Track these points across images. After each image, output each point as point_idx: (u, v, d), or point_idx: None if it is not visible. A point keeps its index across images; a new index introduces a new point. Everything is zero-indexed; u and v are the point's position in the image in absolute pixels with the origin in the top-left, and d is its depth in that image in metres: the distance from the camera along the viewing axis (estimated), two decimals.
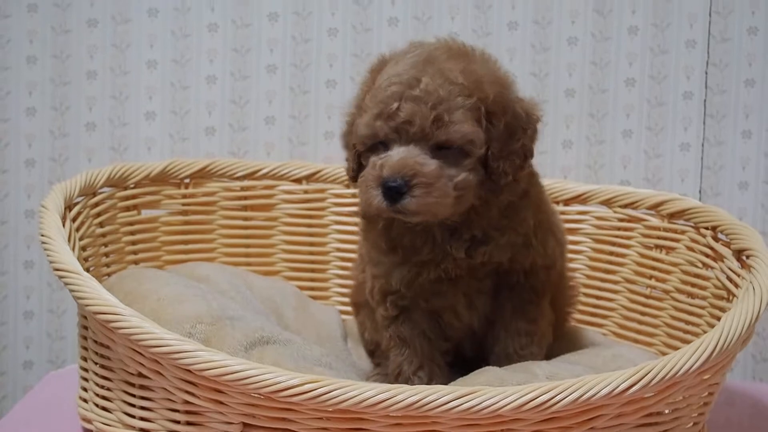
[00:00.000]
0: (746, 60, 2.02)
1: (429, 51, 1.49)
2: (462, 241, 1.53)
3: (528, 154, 1.50)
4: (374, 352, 1.75)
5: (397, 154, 1.44)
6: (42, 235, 1.51)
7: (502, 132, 1.47)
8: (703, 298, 1.67)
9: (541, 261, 1.59)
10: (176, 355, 1.32)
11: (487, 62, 1.52)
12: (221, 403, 1.35)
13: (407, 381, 1.57)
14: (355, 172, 1.52)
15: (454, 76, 1.45)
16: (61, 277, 1.43)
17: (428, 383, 1.52)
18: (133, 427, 1.44)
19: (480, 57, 1.52)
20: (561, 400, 1.27)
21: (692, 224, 1.71)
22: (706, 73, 2.03)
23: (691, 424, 1.46)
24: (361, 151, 1.49)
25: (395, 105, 1.44)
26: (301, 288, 1.92)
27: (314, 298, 1.92)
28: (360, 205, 1.53)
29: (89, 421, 1.51)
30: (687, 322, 1.72)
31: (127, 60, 2.01)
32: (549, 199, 1.69)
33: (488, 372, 1.47)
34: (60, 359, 2.09)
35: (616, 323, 1.84)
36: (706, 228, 1.68)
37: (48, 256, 1.47)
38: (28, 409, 1.69)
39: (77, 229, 1.65)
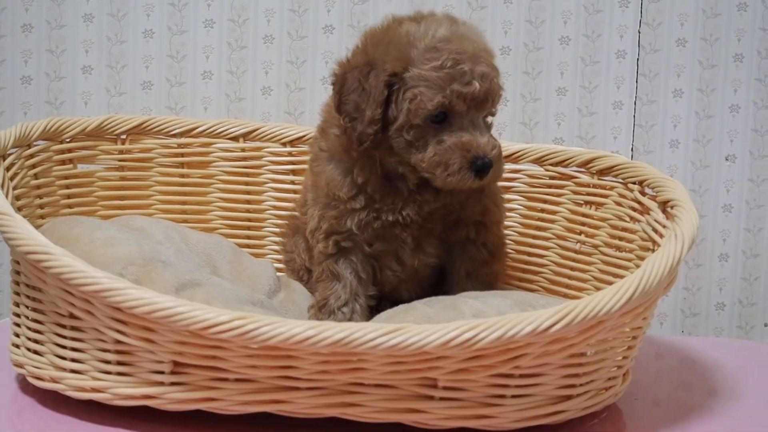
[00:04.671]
0: (678, 19, 2.05)
1: (457, 24, 1.55)
2: (430, 190, 1.58)
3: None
4: (302, 275, 1.80)
5: (479, 132, 1.51)
6: None
7: None
8: (630, 251, 1.69)
9: (492, 207, 1.65)
10: (106, 293, 1.33)
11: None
12: (151, 341, 1.36)
13: (330, 314, 1.62)
14: (374, 139, 1.52)
15: (491, 53, 1.55)
16: None
17: (349, 320, 1.58)
18: (65, 369, 1.44)
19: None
20: (485, 338, 1.29)
21: (621, 180, 1.74)
22: (639, 32, 2.06)
23: (615, 368, 1.49)
24: (411, 124, 1.51)
25: (477, 85, 1.50)
26: (238, 245, 1.91)
27: (251, 255, 1.92)
28: (436, 179, 1.54)
29: (21, 366, 1.51)
30: (614, 275, 1.73)
31: (63, 13, 2.00)
32: None
33: (416, 310, 1.49)
34: None
35: (547, 279, 1.86)
36: (634, 183, 1.70)
37: None
38: None
39: (11, 179, 1.64)
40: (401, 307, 1.52)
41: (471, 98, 1.50)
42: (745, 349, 1.95)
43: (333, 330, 1.28)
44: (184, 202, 1.94)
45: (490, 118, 1.57)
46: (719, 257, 2.13)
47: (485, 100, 1.52)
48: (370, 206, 1.59)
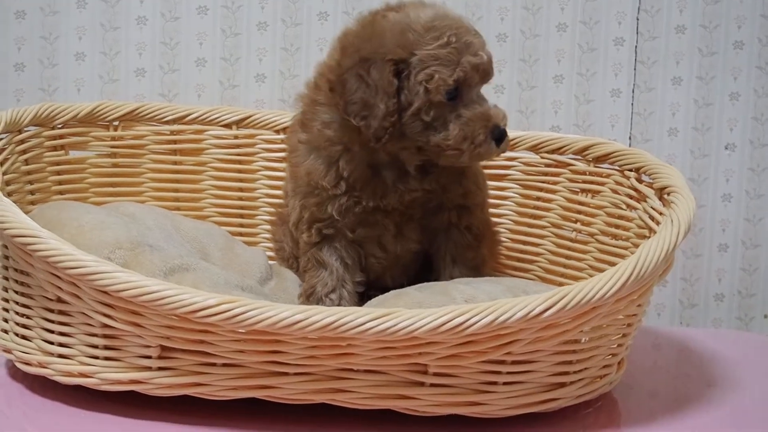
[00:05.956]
0: (677, 6, 2.04)
1: (434, 6, 1.56)
2: (411, 176, 1.59)
3: None
4: (292, 263, 1.79)
5: (487, 103, 1.54)
6: None
7: None
8: (627, 239, 1.68)
9: (473, 189, 1.65)
10: (93, 276, 1.32)
11: None
12: (139, 325, 1.35)
13: (318, 301, 1.62)
14: (390, 130, 1.51)
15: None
16: None
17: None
18: (52, 354, 1.44)
19: None
20: (476, 323, 1.28)
21: (617, 167, 1.72)
22: (638, 18, 2.04)
23: (610, 355, 1.48)
24: (432, 103, 1.50)
25: (484, 56, 1.53)
26: (231, 233, 1.89)
27: (244, 243, 1.90)
28: (463, 155, 1.53)
29: (9, 351, 1.50)
30: (611, 264, 1.70)
31: (57, 0, 1.99)
32: None
33: (407, 295, 1.48)
34: None
35: (543, 268, 1.84)
36: (630, 170, 1.69)
37: None
38: None
39: (1, 164, 1.63)
40: (392, 292, 1.52)
41: (482, 69, 1.53)
42: (745, 340, 1.95)
43: (322, 314, 1.27)
44: (176, 190, 1.93)
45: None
46: (718, 247, 2.11)
47: (490, 70, 1.55)
48: (350, 192, 1.59)
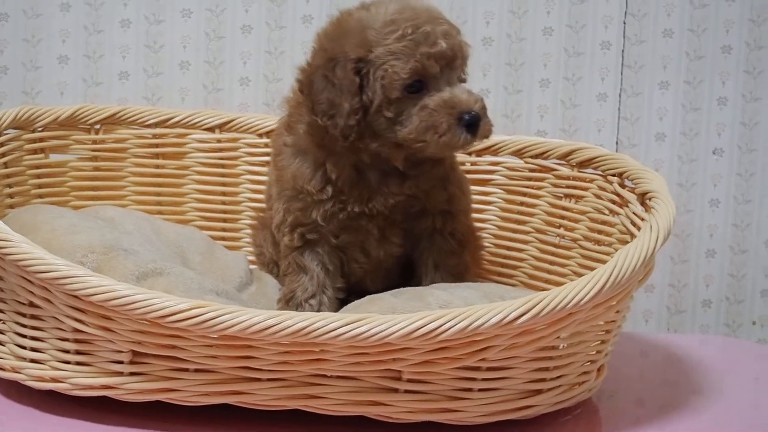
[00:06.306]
0: (665, 10, 2.02)
1: (407, 0, 1.54)
2: (395, 179, 1.58)
3: None
4: (272, 268, 1.79)
5: (458, 89, 1.51)
6: None
7: None
8: (609, 244, 1.67)
9: (458, 194, 1.64)
10: (64, 281, 1.32)
11: None
12: (110, 330, 1.35)
13: (298, 306, 1.61)
14: (358, 129, 1.51)
15: (446, 17, 1.55)
16: None
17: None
18: (25, 359, 1.43)
19: None
20: (449, 329, 1.27)
21: (600, 172, 1.71)
22: (624, 22, 2.03)
23: (588, 362, 1.46)
24: (389, 99, 1.50)
25: (443, 43, 1.50)
26: (213, 237, 1.89)
27: (226, 247, 1.90)
28: (429, 146, 1.51)
29: None
30: (593, 269, 1.69)
31: (40, 2, 1.98)
32: None
33: (381, 300, 1.47)
34: None
35: (526, 273, 1.83)
36: (613, 175, 1.67)
37: None
38: None
39: None
40: (367, 297, 1.51)
41: (441, 57, 1.50)
42: (733, 347, 1.94)
43: (294, 319, 1.27)
44: (158, 194, 1.92)
45: (464, 85, 1.56)
46: (706, 253, 2.10)
47: (455, 57, 1.52)
48: (336, 197, 1.58)
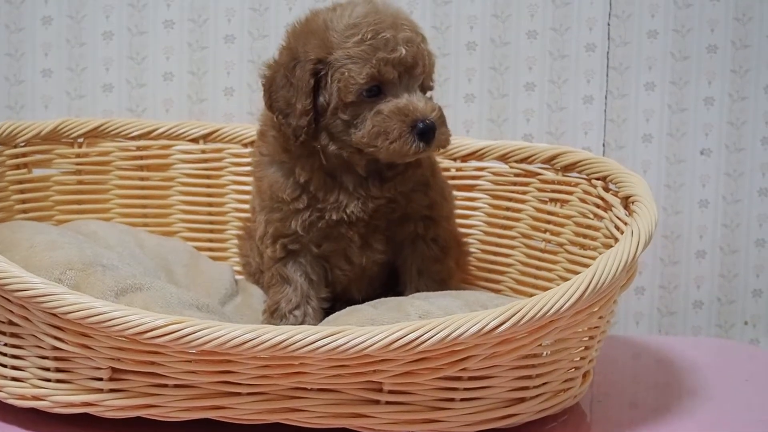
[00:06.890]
0: (649, 11, 2.02)
1: (374, 3, 1.54)
2: (372, 183, 1.57)
3: None
4: (258, 278, 1.78)
5: (416, 97, 1.50)
6: None
7: None
8: (594, 248, 1.66)
9: (439, 200, 1.63)
10: (41, 299, 1.31)
11: None
12: (89, 347, 1.34)
13: (282, 318, 1.60)
14: (308, 130, 1.52)
15: (414, 23, 1.54)
16: None
17: (301, 324, 1.55)
18: (6, 377, 1.42)
19: None
20: (428, 339, 1.27)
21: (585, 176, 1.70)
22: (609, 24, 2.02)
23: (572, 369, 1.46)
24: (344, 102, 1.50)
25: (402, 50, 1.49)
26: (200, 248, 1.89)
27: (213, 258, 1.90)
28: (380, 151, 1.51)
29: None
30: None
31: (22, 16, 1.98)
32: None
33: (360, 312, 1.46)
34: None
35: (513, 279, 1.82)
36: (597, 179, 1.67)
37: None
38: None
39: None
40: (347, 309, 1.50)
41: (399, 64, 1.50)
42: (725, 348, 1.93)
43: (272, 333, 1.26)
44: (144, 206, 1.91)
45: (429, 93, 1.55)
46: (696, 254, 2.09)
47: (415, 65, 1.51)
48: (313, 206, 1.58)
